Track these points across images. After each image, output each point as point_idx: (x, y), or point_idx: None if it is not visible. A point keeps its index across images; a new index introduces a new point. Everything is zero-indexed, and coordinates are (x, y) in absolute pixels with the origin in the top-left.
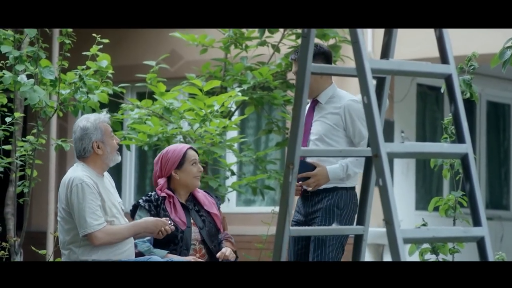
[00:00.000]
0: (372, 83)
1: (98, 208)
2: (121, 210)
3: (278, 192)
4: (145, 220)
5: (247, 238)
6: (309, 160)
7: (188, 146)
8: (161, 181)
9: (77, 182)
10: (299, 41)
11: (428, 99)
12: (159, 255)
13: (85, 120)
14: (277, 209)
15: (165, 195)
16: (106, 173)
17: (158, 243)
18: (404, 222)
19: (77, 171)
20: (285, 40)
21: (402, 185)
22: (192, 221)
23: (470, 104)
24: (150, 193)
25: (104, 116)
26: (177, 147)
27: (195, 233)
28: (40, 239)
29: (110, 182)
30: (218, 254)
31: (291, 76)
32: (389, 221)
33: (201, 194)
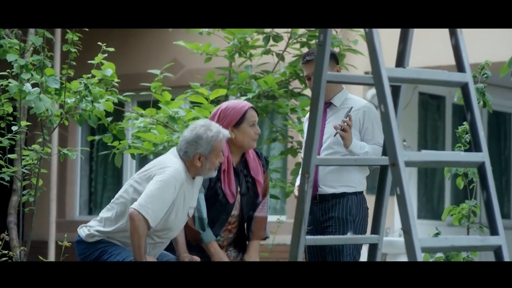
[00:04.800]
0: (389, 91)
1: (165, 211)
2: (186, 216)
3: (283, 201)
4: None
5: None
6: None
7: (249, 105)
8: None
9: (175, 173)
10: (304, 49)
11: (430, 108)
12: (207, 237)
13: (205, 129)
14: (282, 218)
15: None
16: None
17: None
18: None
19: (178, 163)
20: (289, 48)
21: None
22: (239, 188)
23: None
24: None
25: (223, 134)
26: (239, 104)
27: (237, 201)
28: (41, 248)
29: (198, 184)
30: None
31: (294, 85)
32: (407, 230)
33: (251, 156)
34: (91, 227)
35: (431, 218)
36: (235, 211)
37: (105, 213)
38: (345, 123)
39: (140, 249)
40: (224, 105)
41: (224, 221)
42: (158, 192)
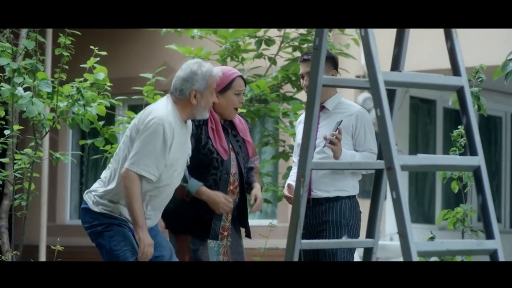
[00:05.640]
0: (385, 95)
1: (162, 162)
2: (185, 164)
3: (274, 205)
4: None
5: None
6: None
7: (238, 73)
8: None
9: (160, 121)
10: (296, 53)
11: (421, 112)
12: (192, 187)
13: (199, 65)
14: (274, 222)
15: (209, 115)
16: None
17: (197, 167)
18: (397, 234)
19: (166, 110)
20: (281, 52)
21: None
22: (230, 145)
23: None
24: None
25: (216, 72)
26: (228, 71)
27: (232, 159)
28: (31, 252)
29: (189, 130)
30: (252, 196)
31: (286, 89)
32: (403, 234)
33: (237, 119)
34: (95, 192)
35: (422, 222)
36: (233, 170)
37: (106, 172)
38: (334, 136)
39: (135, 213)
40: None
41: (226, 180)
42: (146, 144)
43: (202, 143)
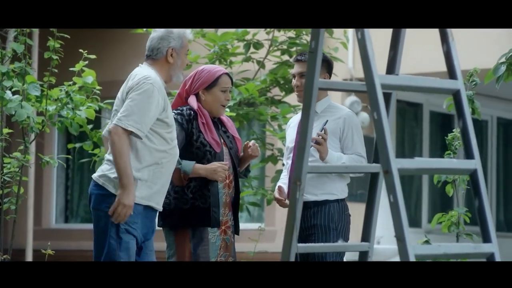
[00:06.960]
0: (382, 99)
1: (149, 121)
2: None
3: (261, 208)
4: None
5: None
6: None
7: (225, 71)
8: (192, 99)
9: (151, 81)
10: (284, 57)
11: (407, 115)
12: (187, 166)
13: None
14: (262, 225)
15: (199, 111)
16: None
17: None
18: (384, 238)
19: (152, 73)
20: (270, 56)
21: (382, 200)
22: (222, 140)
23: (448, 120)
24: (180, 107)
25: (188, 32)
26: (214, 68)
27: (225, 153)
28: (18, 256)
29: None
30: (248, 144)
31: (275, 92)
32: (400, 237)
33: (224, 117)
34: (113, 175)
35: (409, 226)
36: (227, 163)
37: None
38: (320, 136)
39: (121, 170)
40: (200, 67)
41: None
42: (136, 101)
43: (194, 137)
